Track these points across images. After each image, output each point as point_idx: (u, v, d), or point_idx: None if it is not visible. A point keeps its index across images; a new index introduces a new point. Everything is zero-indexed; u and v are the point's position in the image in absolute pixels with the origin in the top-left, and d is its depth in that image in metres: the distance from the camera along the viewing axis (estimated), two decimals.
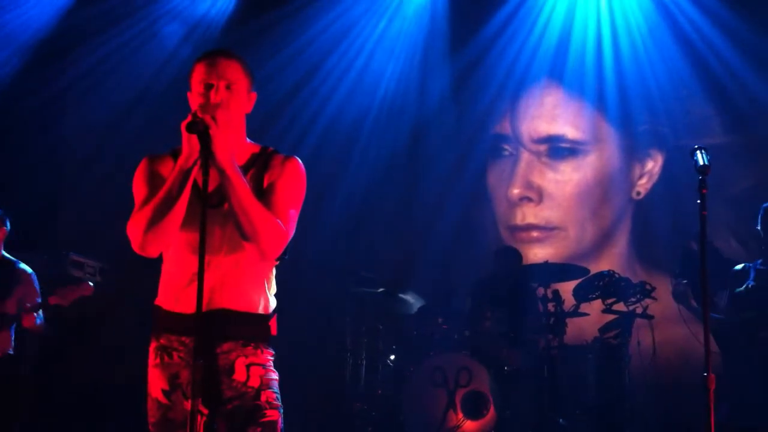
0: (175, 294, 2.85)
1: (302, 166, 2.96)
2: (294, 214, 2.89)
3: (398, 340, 6.81)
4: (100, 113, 7.54)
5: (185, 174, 2.70)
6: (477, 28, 8.43)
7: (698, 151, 3.78)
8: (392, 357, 6.78)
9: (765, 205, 5.09)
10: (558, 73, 8.49)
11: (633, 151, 8.39)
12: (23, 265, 5.60)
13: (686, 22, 7.92)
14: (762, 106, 7.64)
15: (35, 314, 5.45)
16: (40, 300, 5.45)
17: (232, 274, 2.82)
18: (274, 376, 2.88)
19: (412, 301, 7.13)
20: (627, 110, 8.30)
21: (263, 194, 2.84)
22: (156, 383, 2.84)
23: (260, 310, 2.88)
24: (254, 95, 2.99)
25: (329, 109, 8.23)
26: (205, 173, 2.63)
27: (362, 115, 8.37)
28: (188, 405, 2.73)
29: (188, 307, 2.78)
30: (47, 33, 7.41)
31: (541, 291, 6.52)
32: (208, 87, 2.85)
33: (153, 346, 2.87)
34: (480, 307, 6.71)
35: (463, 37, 8.48)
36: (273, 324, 2.93)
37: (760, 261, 5.19)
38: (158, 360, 2.85)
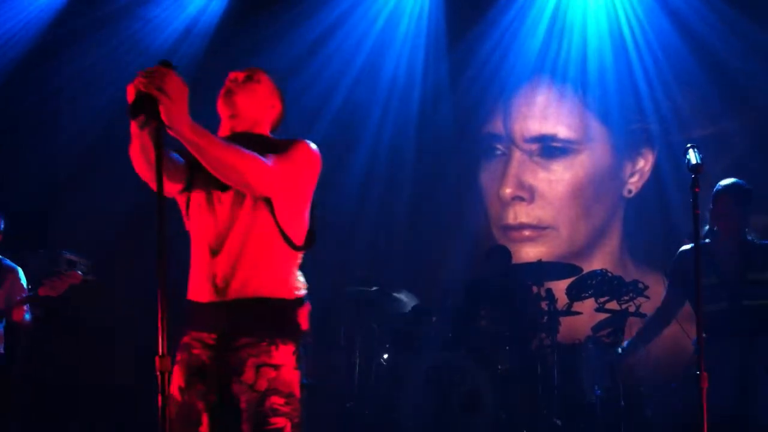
0: (194, 285, 2.86)
1: (309, 144, 2.96)
2: (289, 164, 2.84)
3: (392, 339, 6.81)
4: (94, 113, 7.52)
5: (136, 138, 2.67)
6: (469, 27, 8.44)
7: (691, 150, 3.79)
8: (386, 356, 6.78)
9: (717, 188, 4.93)
10: (549, 72, 8.52)
11: (624, 150, 8.43)
12: (8, 261, 5.58)
13: (678, 18, 7.94)
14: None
15: (24, 308, 5.40)
16: (26, 295, 5.41)
17: (241, 261, 2.78)
18: (290, 377, 2.79)
19: (406, 299, 7.13)
20: (618, 109, 8.33)
21: None
22: (176, 379, 2.81)
23: (282, 296, 2.83)
24: (278, 103, 3.07)
25: (327, 108, 8.23)
26: (158, 142, 2.49)
27: (356, 115, 8.37)
28: (200, 404, 2.74)
29: (201, 296, 2.80)
30: (41, 33, 7.40)
31: (534, 290, 6.54)
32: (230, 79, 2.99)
33: (182, 341, 2.87)
34: (474, 306, 6.72)
35: (456, 37, 8.49)
36: (303, 316, 2.87)
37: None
38: (180, 357, 2.84)
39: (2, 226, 5.60)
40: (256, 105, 2.99)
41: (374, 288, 7.00)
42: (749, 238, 4.83)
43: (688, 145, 3.90)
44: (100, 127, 7.33)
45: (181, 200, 2.94)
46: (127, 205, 6.22)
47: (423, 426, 6.23)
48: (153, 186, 2.73)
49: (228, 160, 2.64)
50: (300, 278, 2.93)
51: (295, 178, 2.85)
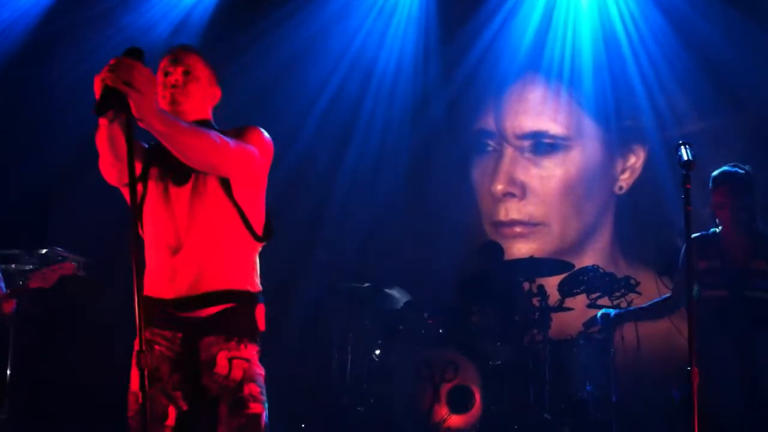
0: (151, 281, 2.83)
1: (260, 128, 2.98)
2: (247, 145, 2.86)
3: (384, 335, 6.81)
4: (87, 112, 7.49)
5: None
6: (461, 24, 8.45)
7: (682, 147, 3.77)
8: (378, 352, 6.79)
9: (713, 176, 4.73)
10: (541, 69, 8.53)
11: (615, 147, 8.45)
12: None
13: (669, 14, 7.95)
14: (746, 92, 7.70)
15: (14, 301, 5.28)
16: (4, 289, 5.33)
17: (205, 256, 2.80)
18: (259, 371, 2.85)
19: (398, 296, 7.14)
20: (609, 105, 8.35)
21: None
22: (136, 377, 2.81)
23: (242, 287, 2.85)
24: (218, 91, 3.04)
25: (320, 104, 8.22)
26: (129, 135, 2.47)
27: (352, 110, 8.36)
28: (165, 400, 2.73)
29: (163, 292, 2.80)
30: (33, 29, 7.37)
31: (526, 286, 6.56)
32: (166, 74, 2.92)
33: (137, 339, 2.87)
34: (466, 302, 6.73)
35: (448, 33, 8.49)
36: (260, 317, 2.90)
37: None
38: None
39: None
40: (200, 103, 2.98)
41: (366, 284, 7.01)
42: (760, 227, 4.61)
43: (680, 142, 3.90)
44: (93, 126, 7.31)
45: (127, 192, 2.84)
46: (124, 203, 6.20)
47: (415, 421, 6.24)
48: (110, 179, 2.82)
49: (195, 143, 2.66)
50: (257, 271, 2.95)
51: (252, 159, 2.87)
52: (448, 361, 6.28)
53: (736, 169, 4.68)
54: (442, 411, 6.22)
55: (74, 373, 6.85)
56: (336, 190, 8.10)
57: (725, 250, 4.54)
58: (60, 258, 6.12)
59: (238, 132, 2.91)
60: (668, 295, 5.12)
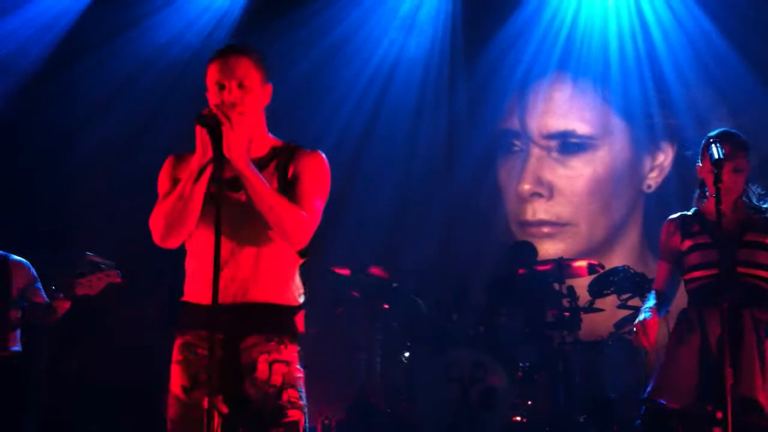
0: (198, 288, 2.85)
1: (326, 160, 2.98)
2: (318, 206, 2.90)
3: (412, 336, 6.81)
4: (115, 114, 7.57)
5: (199, 171, 2.74)
6: (486, 23, 8.41)
7: (713, 145, 3.73)
8: (407, 354, 6.78)
9: (709, 134, 4.07)
10: (567, 67, 8.47)
11: (643, 145, 8.38)
12: (15, 257, 5.50)
13: (696, 11, 7.88)
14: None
15: (69, 302, 5.24)
16: (39, 285, 5.34)
17: (255, 266, 2.82)
18: (299, 374, 2.85)
19: (426, 297, 7.12)
20: (637, 103, 8.28)
21: (287, 186, 2.87)
22: (177, 379, 2.84)
23: (286, 302, 2.88)
24: (269, 87, 2.98)
25: (345, 106, 8.23)
26: (218, 168, 2.65)
27: (376, 110, 8.36)
28: (206, 404, 2.74)
29: (205, 299, 2.76)
30: (60, 39, 7.46)
31: (555, 286, 6.52)
32: (221, 87, 2.86)
33: (178, 342, 2.88)
34: (494, 303, 6.71)
35: (473, 32, 8.46)
36: (300, 320, 2.92)
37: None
38: (181, 356, 2.85)
39: None
40: (255, 113, 2.91)
41: (394, 285, 7.00)
42: (752, 198, 4.09)
43: (710, 140, 3.84)
44: (124, 132, 7.40)
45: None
46: (143, 208, 6.25)
47: (444, 423, 6.23)
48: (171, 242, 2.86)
49: (275, 209, 2.74)
50: (300, 282, 2.97)
51: (322, 205, 2.93)
52: (476, 362, 6.27)
53: (732, 130, 4.10)
54: (471, 412, 6.19)
55: (95, 374, 6.91)
56: (360, 191, 8.08)
57: (715, 222, 3.83)
58: (90, 261, 6.13)
59: (304, 168, 2.90)
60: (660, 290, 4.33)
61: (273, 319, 2.84)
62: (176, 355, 2.87)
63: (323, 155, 2.98)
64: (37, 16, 7.38)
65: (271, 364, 2.79)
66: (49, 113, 7.39)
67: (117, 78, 7.61)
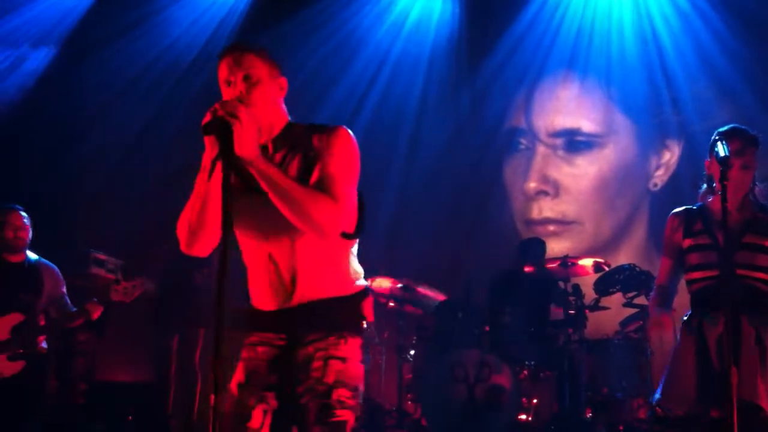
0: (255, 295, 2.83)
1: (351, 135, 2.83)
2: (349, 188, 2.76)
3: (418, 334, 6.80)
4: (118, 114, 7.58)
5: (208, 173, 2.65)
6: (492, 22, 8.41)
7: (719, 142, 3.71)
8: (412, 352, 6.77)
9: (719, 129, 3.98)
10: (573, 66, 8.47)
11: (649, 143, 8.37)
12: (45, 261, 5.51)
13: (702, 7, 7.86)
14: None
15: (102, 306, 5.20)
16: (65, 289, 5.37)
17: (299, 265, 2.75)
18: (356, 371, 2.76)
19: (432, 295, 7.11)
20: (643, 101, 8.27)
21: (312, 172, 2.73)
22: (237, 376, 2.81)
23: (342, 293, 2.79)
24: (283, 80, 2.89)
25: (350, 104, 8.23)
26: (227, 168, 2.52)
27: (381, 109, 8.36)
28: (253, 401, 2.74)
29: (265, 305, 2.79)
30: (71, 36, 7.47)
31: (561, 285, 6.50)
32: (229, 84, 2.80)
33: (248, 341, 2.85)
34: (499, 302, 6.69)
35: (478, 31, 8.46)
36: (367, 306, 2.83)
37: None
38: (245, 354, 2.83)
39: (29, 224, 5.51)
40: (267, 104, 2.81)
41: (399, 284, 6.99)
42: (757, 197, 4.03)
43: (717, 138, 3.82)
44: (130, 132, 7.41)
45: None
46: (158, 205, 6.26)
47: (449, 422, 6.22)
48: (200, 249, 2.78)
49: (291, 197, 2.61)
50: (357, 267, 2.87)
51: (354, 184, 2.79)
52: (482, 361, 6.24)
53: (741, 126, 4.03)
54: (476, 412, 6.18)
55: (103, 373, 6.92)
56: (363, 190, 8.07)
57: (717, 222, 3.85)
58: (96, 259, 6.13)
59: (328, 146, 2.76)
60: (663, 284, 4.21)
61: (332, 314, 2.76)
62: (244, 352, 2.84)
63: (348, 130, 2.84)
64: (40, 16, 7.40)
65: (326, 360, 2.72)
66: (53, 113, 7.40)
67: (120, 78, 7.62)
